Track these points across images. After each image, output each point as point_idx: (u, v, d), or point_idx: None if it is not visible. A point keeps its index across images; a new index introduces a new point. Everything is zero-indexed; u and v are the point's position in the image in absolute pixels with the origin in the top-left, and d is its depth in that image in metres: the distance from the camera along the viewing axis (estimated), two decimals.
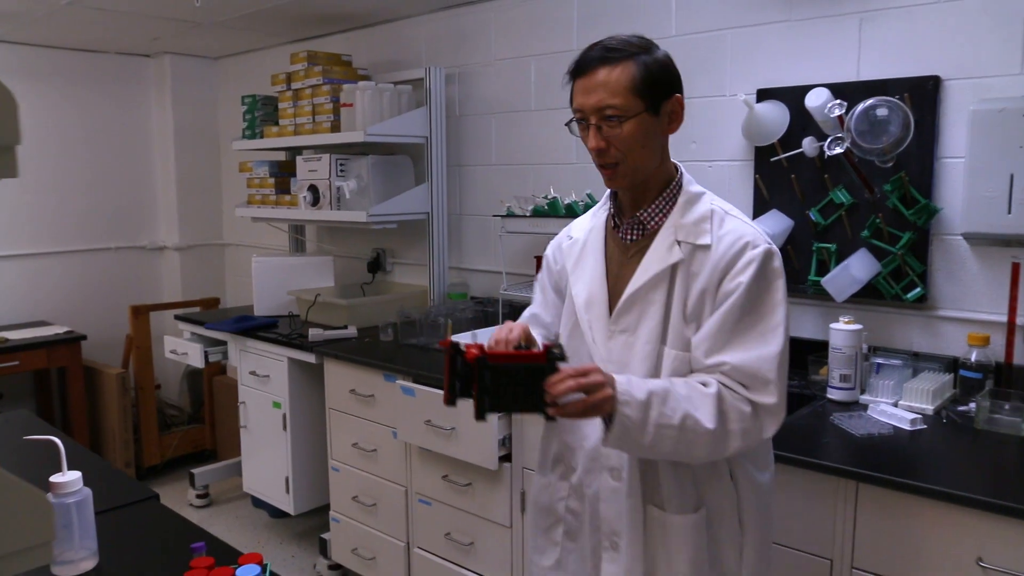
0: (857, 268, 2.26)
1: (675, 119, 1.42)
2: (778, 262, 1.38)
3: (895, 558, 1.67)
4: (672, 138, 1.44)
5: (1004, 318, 2.08)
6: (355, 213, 3.22)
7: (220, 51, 4.58)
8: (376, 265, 3.78)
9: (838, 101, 2.21)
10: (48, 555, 0.74)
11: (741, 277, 1.35)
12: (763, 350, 1.34)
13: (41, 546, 0.73)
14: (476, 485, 2.47)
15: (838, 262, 2.32)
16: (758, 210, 2.49)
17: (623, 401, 1.27)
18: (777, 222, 2.41)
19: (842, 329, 2.17)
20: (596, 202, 2.83)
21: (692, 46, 2.62)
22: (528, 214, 2.77)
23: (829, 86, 2.26)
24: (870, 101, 2.14)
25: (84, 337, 4.02)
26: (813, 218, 2.36)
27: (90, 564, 1.42)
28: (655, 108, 1.37)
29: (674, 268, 1.40)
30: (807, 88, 2.29)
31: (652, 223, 1.45)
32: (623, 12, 2.81)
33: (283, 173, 3.78)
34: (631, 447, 1.33)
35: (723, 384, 1.33)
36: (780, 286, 1.37)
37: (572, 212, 2.66)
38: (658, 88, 1.36)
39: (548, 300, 1.65)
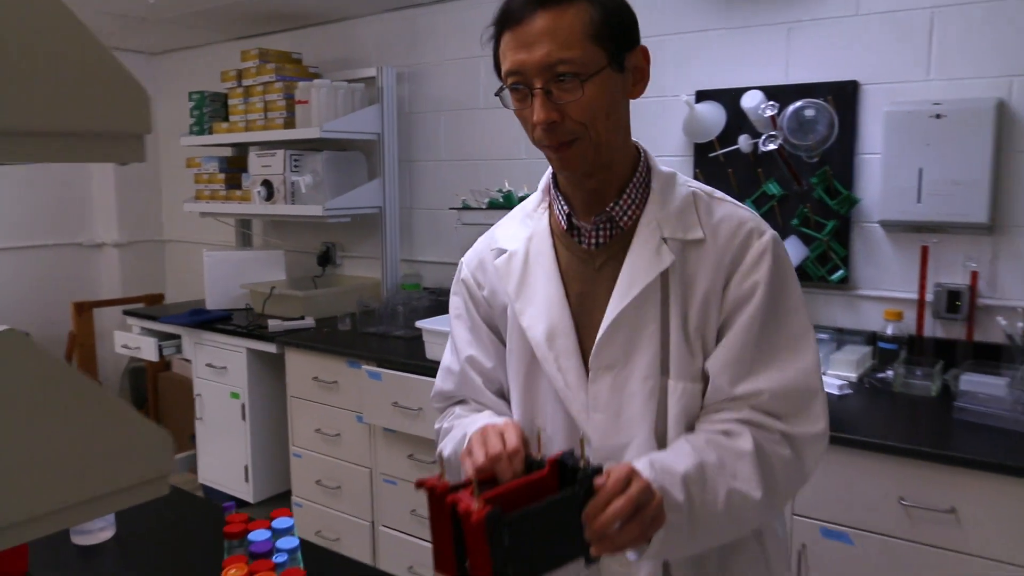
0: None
1: (641, 77, 1.10)
2: (784, 247, 1.13)
3: (831, 503, 1.91)
4: None
5: (915, 296, 2.36)
6: (311, 207, 3.32)
7: (159, 47, 4.57)
8: (326, 259, 3.87)
9: (770, 102, 2.45)
10: (166, 487, 0.85)
11: (755, 275, 1.08)
12: (799, 364, 1.08)
13: (161, 478, 0.84)
14: None
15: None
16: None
17: (666, 505, 0.97)
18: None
19: None
20: (508, 200, 2.99)
21: None
22: (484, 206, 2.93)
23: (762, 88, 2.50)
24: (799, 103, 2.39)
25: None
26: (772, 190, 2.60)
27: (108, 534, 1.51)
28: (619, 62, 1.05)
29: (665, 274, 1.09)
30: (742, 90, 2.53)
31: (626, 218, 1.13)
32: None
33: (232, 169, 3.82)
34: (673, 553, 1.04)
35: (753, 426, 1.06)
36: (795, 277, 1.12)
37: (509, 202, 2.82)
38: (622, 35, 1.05)
39: (482, 339, 1.24)
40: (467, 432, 1.11)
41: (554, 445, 1.14)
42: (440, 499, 0.90)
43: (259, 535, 1.21)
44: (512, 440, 1.00)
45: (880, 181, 2.36)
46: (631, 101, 1.12)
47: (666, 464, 0.99)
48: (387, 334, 3.01)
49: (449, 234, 3.40)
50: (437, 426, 1.29)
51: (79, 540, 1.48)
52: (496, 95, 1.09)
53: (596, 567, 1.08)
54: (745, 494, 1.02)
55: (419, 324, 2.68)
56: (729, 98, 2.60)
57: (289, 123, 3.43)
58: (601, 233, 1.14)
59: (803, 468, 1.08)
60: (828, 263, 2.49)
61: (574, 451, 0.96)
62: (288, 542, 1.21)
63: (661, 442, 1.09)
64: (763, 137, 2.45)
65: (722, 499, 1.00)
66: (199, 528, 1.55)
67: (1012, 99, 2.21)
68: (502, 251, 1.21)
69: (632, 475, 0.93)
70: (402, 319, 3.07)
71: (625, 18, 1.06)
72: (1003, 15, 2.22)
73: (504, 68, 1.05)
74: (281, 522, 1.24)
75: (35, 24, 0.61)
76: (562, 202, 1.16)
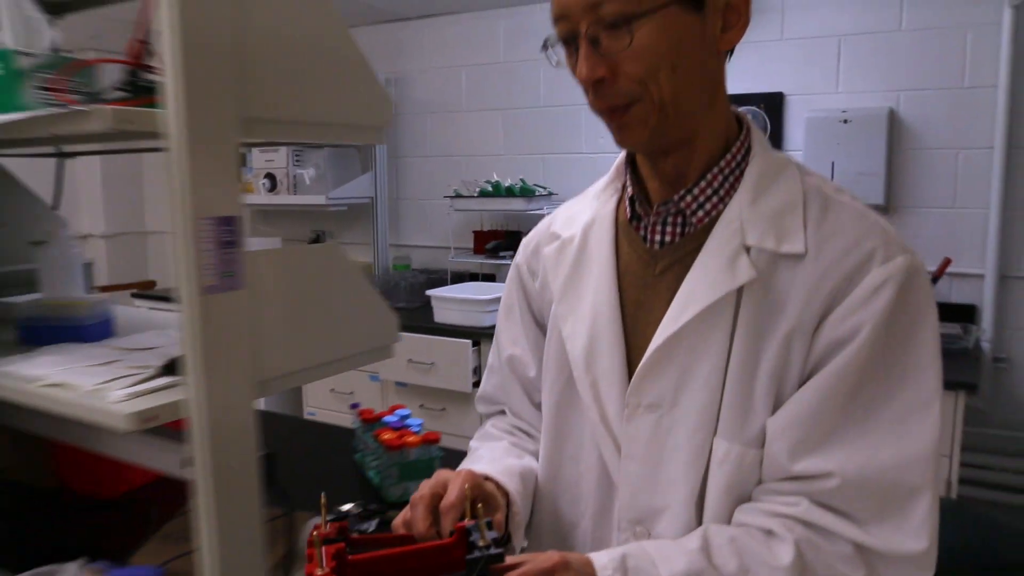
0: None
1: (734, 20, 0.83)
2: (927, 285, 0.82)
3: None
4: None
5: None
6: (315, 197, 3.75)
7: None
8: (317, 244, 4.28)
9: None
10: (392, 352, 1.33)
11: (863, 314, 0.79)
12: (903, 447, 0.78)
13: (390, 345, 1.31)
14: (450, 409, 3.11)
15: None
16: None
17: None
18: None
19: None
20: (526, 190, 3.51)
21: None
22: (475, 195, 3.43)
23: None
24: (740, 109, 2.99)
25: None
26: None
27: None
28: (696, 0, 0.80)
29: (739, 294, 0.83)
30: None
31: (700, 213, 0.89)
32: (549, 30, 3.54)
33: None
34: None
35: (807, 528, 0.80)
36: (932, 328, 0.81)
37: (511, 192, 3.34)
38: None
39: (529, 338, 1.06)
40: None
41: (581, 490, 0.95)
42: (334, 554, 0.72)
43: (391, 417, 1.69)
44: (454, 493, 0.83)
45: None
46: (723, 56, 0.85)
47: (643, 565, 0.78)
48: (392, 305, 3.47)
49: (434, 221, 3.88)
50: (471, 444, 1.13)
51: None
52: (542, 50, 0.86)
53: None
54: None
55: (429, 292, 3.17)
56: None
57: None
58: (667, 229, 0.90)
59: None
60: None
61: (480, 524, 0.76)
62: (414, 421, 1.68)
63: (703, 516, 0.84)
64: None
65: None
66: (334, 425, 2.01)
67: (900, 109, 2.87)
68: (556, 236, 1.01)
69: (554, 573, 0.75)
70: (404, 293, 3.53)
71: None
72: (892, 45, 2.88)
73: (552, 13, 0.83)
74: (402, 411, 1.72)
75: (330, 59, 1.08)
76: (632, 184, 0.93)
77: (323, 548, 0.72)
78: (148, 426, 0.92)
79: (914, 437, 0.78)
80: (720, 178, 0.88)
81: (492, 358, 1.14)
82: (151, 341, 1.25)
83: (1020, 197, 2.79)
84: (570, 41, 0.83)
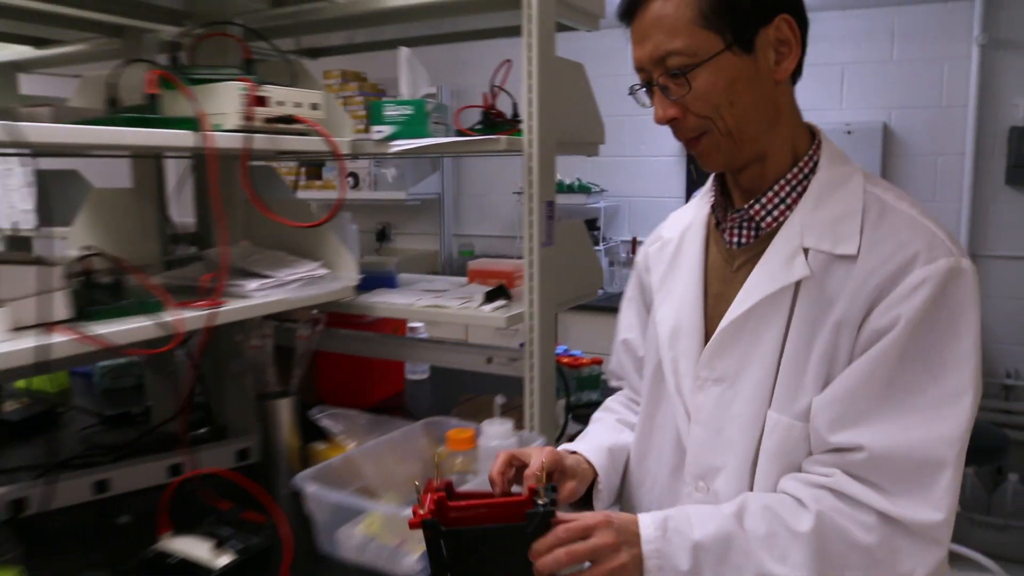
0: None
1: (786, 53, 0.94)
2: (966, 289, 0.88)
3: None
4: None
5: None
6: (395, 192, 4.38)
7: None
8: (383, 235, 4.92)
9: None
10: (595, 294, 1.98)
11: (901, 307, 0.87)
12: (932, 428, 0.86)
13: (597, 288, 1.97)
14: None
15: None
16: (690, 190, 3.98)
17: (656, 568, 0.89)
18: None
19: None
20: (583, 187, 4.24)
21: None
22: None
23: None
24: None
25: None
26: None
27: (425, 376, 2.58)
28: (745, 42, 0.92)
29: (797, 289, 0.94)
30: None
31: (769, 219, 1.00)
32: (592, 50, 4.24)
33: (312, 163, 4.81)
34: None
35: (834, 495, 0.89)
36: (970, 325, 0.88)
37: (571, 189, 4.01)
38: (744, 11, 0.91)
39: (641, 323, 1.22)
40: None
41: (663, 451, 1.09)
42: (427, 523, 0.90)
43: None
44: (532, 466, 0.98)
45: None
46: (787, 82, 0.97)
47: (682, 526, 0.90)
48: None
49: (493, 213, 4.54)
50: (594, 416, 1.31)
51: (412, 376, 2.54)
52: (630, 94, 1.00)
53: None
54: None
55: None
56: None
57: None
58: (743, 233, 1.02)
59: (895, 569, 0.87)
60: None
61: (555, 488, 0.97)
62: (576, 351, 2.34)
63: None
64: None
65: None
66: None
67: (892, 123, 3.62)
68: (660, 237, 1.17)
69: (595, 529, 0.88)
70: None
71: None
72: (885, 72, 3.63)
73: (633, 64, 0.97)
74: (561, 347, 2.38)
75: (584, 100, 1.75)
76: (717, 193, 1.07)
77: (429, 495, 0.91)
78: (513, 325, 1.58)
79: (944, 421, 0.85)
80: (788, 188, 0.98)
81: (615, 340, 1.28)
82: (434, 285, 1.90)
83: (985, 193, 3.55)
84: (648, 87, 0.97)
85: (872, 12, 3.65)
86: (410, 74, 1.61)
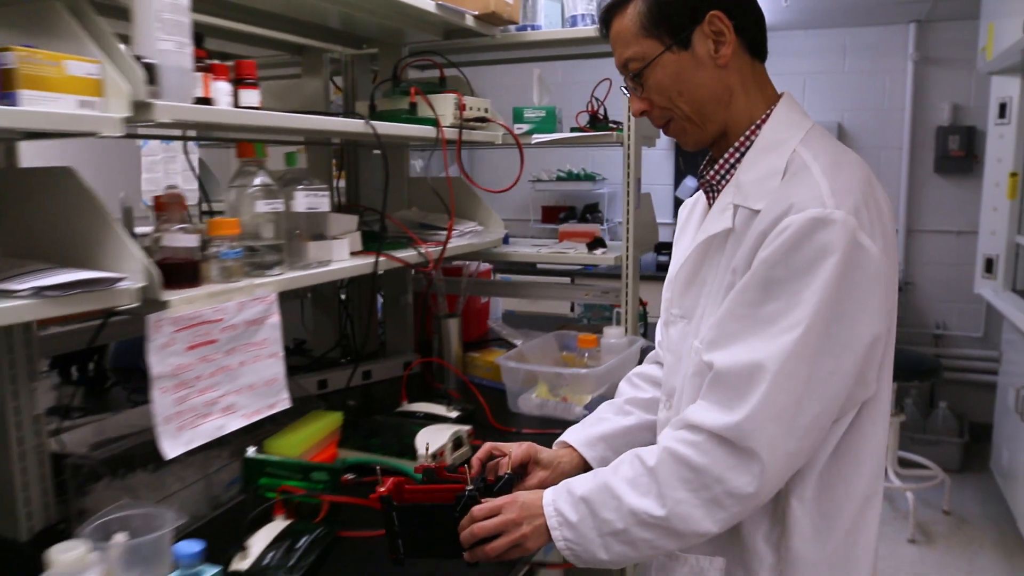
0: None
1: (722, 41, 1.06)
2: (829, 236, 0.94)
3: None
4: None
5: None
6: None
7: None
8: None
9: None
10: (652, 247, 2.68)
11: (763, 251, 0.97)
12: (760, 349, 0.96)
13: (651, 244, 2.66)
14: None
15: None
16: (678, 178, 4.72)
17: (556, 525, 1.04)
18: (691, 183, 4.65)
19: None
20: (589, 176, 4.86)
21: None
22: (553, 179, 4.77)
23: None
24: None
25: None
26: None
27: None
28: (682, 41, 1.06)
29: (727, 240, 1.06)
30: None
31: (722, 183, 1.12)
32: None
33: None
34: (596, 565, 1.05)
35: (683, 426, 1.02)
36: (823, 270, 0.94)
37: (578, 177, 4.70)
38: (676, 16, 1.06)
39: None
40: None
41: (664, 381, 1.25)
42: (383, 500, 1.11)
43: None
44: (503, 459, 1.21)
45: None
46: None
47: (572, 486, 1.06)
48: None
49: (503, 200, 5.19)
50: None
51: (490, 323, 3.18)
52: (621, 91, 1.22)
53: None
54: (647, 510, 0.99)
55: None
56: None
57: None
58: (711, 195, 1.16)
59: (728, 485, 0.97)
60: None
61: (495, 478, 1.18)
62: None
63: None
64: None
65: (623, 517, 1.00)
66: None
67: (844, 122, 4.42)
68: (686, 205, 1.31)
69: (502, 508, 1.05)
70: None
71: (678, 0, 1.06)
72: (838, 81, 4.43)
73: None
74: None
75: None
76: (705, 165, 1.18)
77: (390, 479, 1.13)
78: (617, 263, 2.25)
79: (774, 343, 0.95)
80: (737, 155, 1.11)
81: None
82: (539, 242, 2.55)
83: (918, 179, 4.38)
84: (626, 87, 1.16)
85: (828, 32, 4.45)
86: (539, 87, 2.26)
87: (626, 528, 1.01)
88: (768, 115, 1.11)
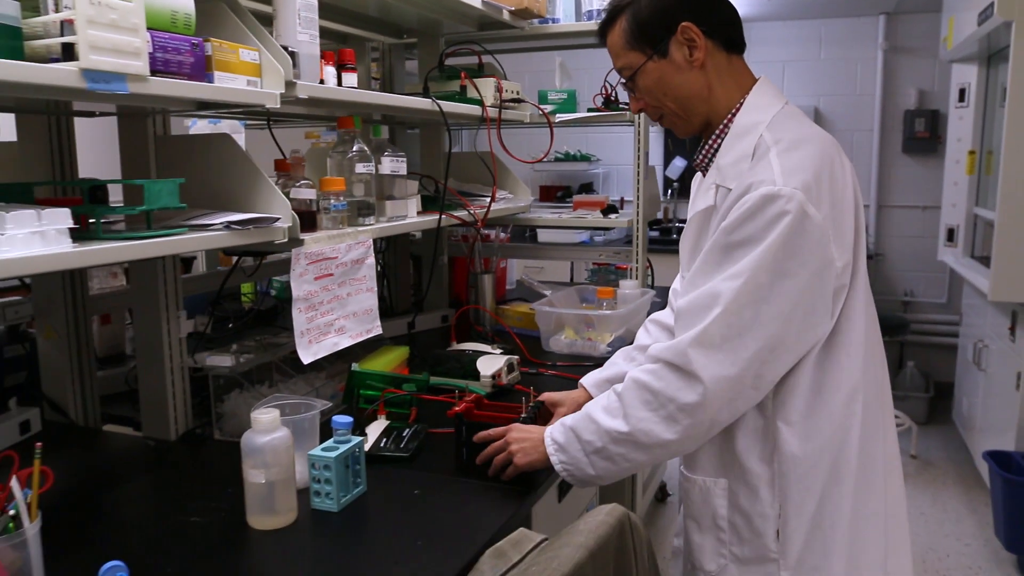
0: None
1: (695, 46, 1.24)
2: (779, 208, 1.12)
3: None
4: None
5: None
6: None
7: None
8: None
9: None
10: (655, 215, 3.02)
11: (724, 221, 1.17)
12: (708, 288, 1.17)
13: (655, 212, 3.01)
14: None
15: None
16: (667, 158, 5.07)
17: (553, 452, 1.28)
18: (679, 163, 4.99)
19: None
20: (584, 156, 5.16)
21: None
22: (552, 160, 5.09)
23: None
24: None
25: None
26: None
27: None
28: (661, 50, 1.25)
29: (711, 214, 1.25)
30: None
31: (707, 166, 1.31)
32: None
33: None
34: (590, 481, 1.28)
35: (648, 358, 1.23)
36: (770, 236, 1.12)
37: (575, 158, 5.02)
38: (653, 30, 1.25)
39: None
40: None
41: None
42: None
43: None
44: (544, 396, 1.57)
45: None
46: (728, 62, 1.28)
47: (564, 419, 1.32)
48: None
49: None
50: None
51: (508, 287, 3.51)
52: (625, 90, 1.38)
53: None
54: (616, 428, 1.20)
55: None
56: None
57: None
58: (704, 174, 1.33)
59: (679, 402, 1.16)
60: None
61: (541, 403, 1.57)
62: None
63: None
64: None
65: (601, 437, 1.22)
66: None
67: (820, 106, 4.79)
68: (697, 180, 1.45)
69: (507, 431, 1.36)
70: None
71: (654, 16, 1.25)
72: (815, 68, 4.80)
73: None
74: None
75: None
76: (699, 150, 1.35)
77: (463, 401, 1.49)
78: (629, 226, 2.59)
79: (722, 285, 1.15)
80: (719, 141, 1.29)
81: None
82: (557, 210, 2.87)
83: (887, 159, 4.77)
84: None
85: (805, 22, 4.82)
86: (561, 73, 2.58)
87: (604, 446, 1.22)
88: (742, 103, 1.27)
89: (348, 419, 1.33)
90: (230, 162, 1.44)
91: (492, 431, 1.40)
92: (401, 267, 2.85)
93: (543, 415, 1.58)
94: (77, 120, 1.63)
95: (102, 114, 1.62)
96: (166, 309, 1.60)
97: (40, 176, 1.57)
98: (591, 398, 1.56)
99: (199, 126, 3.18)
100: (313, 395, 1.69)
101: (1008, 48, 3.37)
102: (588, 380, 1.63)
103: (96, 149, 1.88)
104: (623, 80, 1.34)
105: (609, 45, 1.33)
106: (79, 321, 1.68)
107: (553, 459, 1.29)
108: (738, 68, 1.31)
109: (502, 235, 3.04)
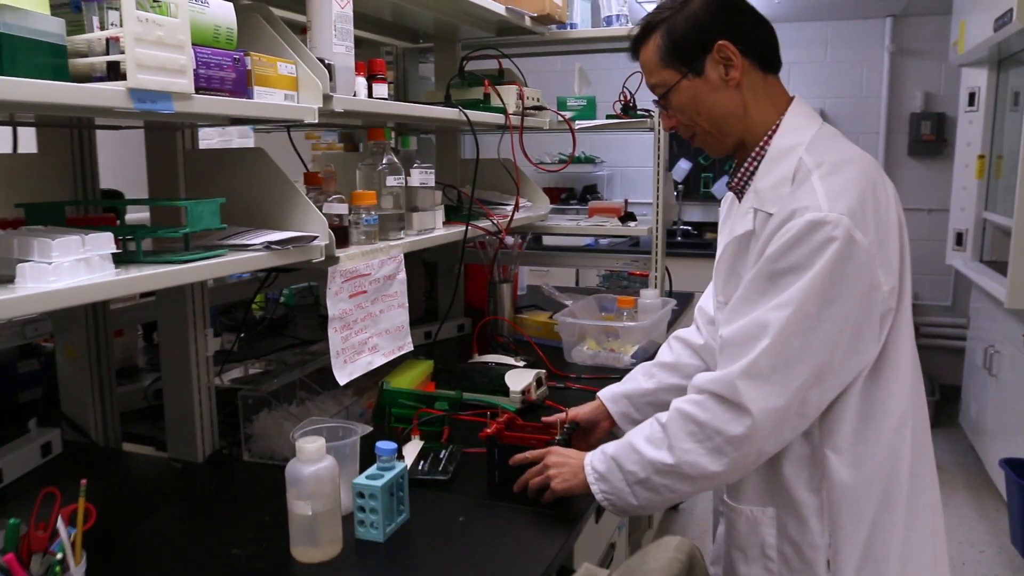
0: (721, 185, 4.92)
1: (731, 65, 1.21)
2: (826, 235, 1.09)
3: None
4: None
5: None
6: None
7: None
8: None
9: None
10: (671, 222, 2.99)
11: (769, 248, 1.14)
12: (756, 319, 1.14)
13: (672, 219, 2.97)
14: None
15: (715, 182, 4.96)
16: (672, 161, 5.03)
17: (593, 480, 1.26)
18: (684, 165, 4.97)
19: None
20: (589, 158, 5.29)
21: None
22: (556, 161, 5.05)
23: None
24: None
25: None
26: (702, 161, 4.97)
27: None
28: (696, 69, 1.22)
29: (750, 239, 1.21)
30: None
31: (744, 188, 1.27)
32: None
33: None
34: (632, 512, 1.27)
35: (693, 390, 1.20)
36: (818, 263, 1.10)
37: (580, 160, 4.98)
38: (688, 48, 1.22)
39: None
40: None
41: None
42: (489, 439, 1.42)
43: None
44: (562, 416, 1.53)
45: None
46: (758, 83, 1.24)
47: (605, 447, 1.28)
48: None
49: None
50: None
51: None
52: (658, 107, 1.34)
53: None
54: (661, 459, 1.18)
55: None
56: None
57: None
58: (740, 197, 1.30)
59: (726, 434, 1.14)
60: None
61: (575, 425, 1.53)
62: None
63: None
64: None
65: (645, 468, 1.20)
66: None
67: (826, 108, 4.78)
68: (727, 199, 1.42)
69: (546, 455, 1.34)
70: None
71: (691, 33, 1.22)
72: (821, 70, 4.78)
73: None
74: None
75: None
76: (734, 169, 1.32)
77: (495, 423, 1.46)
78: (649, 234, 2.55)
79: (769, 315, 1.12)
80: (755, 164, 1.26)
81: None
82: (573, 216, 2.83)
83: (893, 162, 4.76)
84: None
85: (812, 24, 4.80)
86: (580, 79, 2.54)
87: (647, 477, 1.20)
88: (778, 124, 1.25)
89: (392, 445, 1.29)
90: (263, 177, 1.40)
91: (530, 454, 1.37)
92: (413, 275, 2.81)
93: (576, 435, 1.55)
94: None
95: (127, 127, 1.57)
96: (193, 327, 1.55)
97: (62, 191, 1.52)
98: (606, 411, 1.57)
99: (205, 132, 3.11)
100: (343, 414, 1.65)
101: (1021, 53, 3.37)
102: (606, 394, 1.61)
103: (111, 159, 1.83)
104: (656, 98, 1.30)
105: (642, 61, 1.30)
106: (100, 339, 1.63)
107: (594, 488, 1.27)
108: (773, 88, 1.28)
109: (518, 241, 3.00)
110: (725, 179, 4.07)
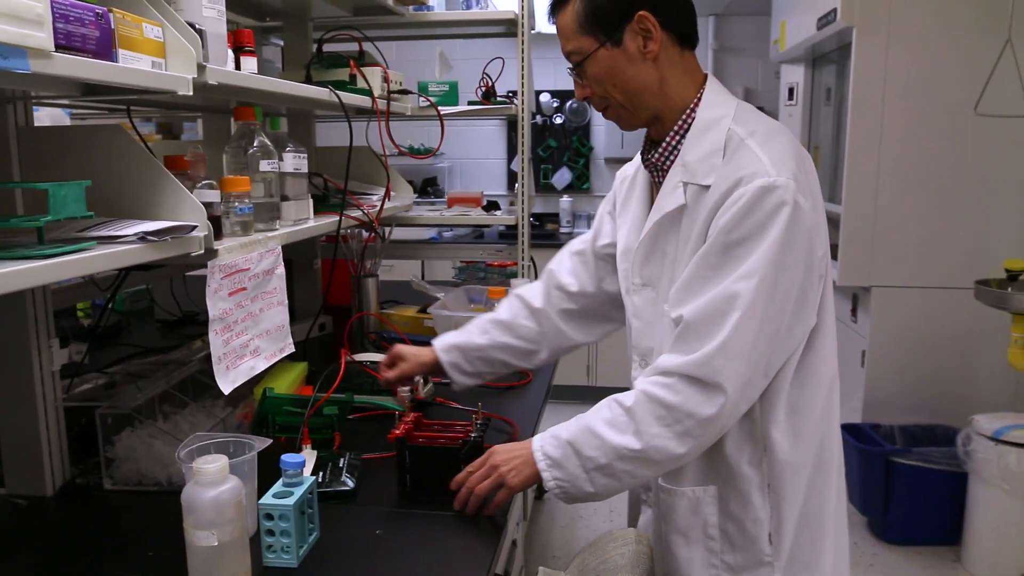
0: (560, 176, 5.01)
1: (651, 38, 1.18)
2: (778, 199, 1.08)
3: None
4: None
5: None
6: None
7: None
8: None
9: (556, 99, 4.88)
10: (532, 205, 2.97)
11: (720, 219, 1.11)
12: (721, 293, 1.10)
13: (531, 205, 2.97)
14: None
15: (553, 173, 5.04)
16: (511, 152, 5.06)
17: (545, 468, 1.19)
18: (566, 175, 5.01)
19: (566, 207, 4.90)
20: (427, 149, 5.22)
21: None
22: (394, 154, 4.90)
23: (554, 92, 4.93)
24: (572, 101, 4.87)
25: None
26: (540, 153, 5.02)
27: None
28: (615, 39, 1.18)
29: (681, 214, 1.19)
30: (544, 91, 4.94)
31: (667, 163, 1.23)
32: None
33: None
34: (585, 499, 1.19)
35: (656, 372, 1.15)
36: (774, 229, 1.08)
37: (418, 152, 4.88)
38: (608, 16, 1.18)
39: (602, 233, 1.49)
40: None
41: (627, 341, 1.38)
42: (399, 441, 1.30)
43: None
44: (397, 369, 1.60)
45: (604, 136, 4.96)
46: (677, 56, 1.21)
47: (556, 431, 1.21)
48: None
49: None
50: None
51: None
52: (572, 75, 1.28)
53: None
54: (625, 445, 1.12)
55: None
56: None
57: None
58: (656, 174, 1.26)
59: (698, 416, 1.10)
60: (583, 181, 5.03)
61: (485, 429, 1.36)
62: None
63: None
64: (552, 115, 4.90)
65: (605, 453, 1.14)
66: None
67: None
68: (626, 174, 1.40)
69: (487, 458, 1.24)
70: None
71: (610, 1, 1.17)
72: None
73: None
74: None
75: None
76: (645, 144, 1.29)
77: (403, 423, 1.35)
78: (515, 223, 2.51)
79: (735, 286, 1.08)
80: (677, 138, 1.23)
81: (577, 242, 1.57)
82: (435, 208, 2.74)
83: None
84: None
85: None
86: (441, 63, 2.45)
87: (608, 463, 1.14)
88: (699, 98, 1.22)
89: (299, 457, 1.15)
90: (123, 159, 1.19)
91: (473, 464, 1.26)
92: None
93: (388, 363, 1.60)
94: None
95: None
96: (36, 337, 1.32)
97: None
98: (437, 360, 1.57)
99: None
100: (220, 427, 1.47)
101: (832, 52, 3.66)
102: (440, 342, 1.60)
103: None
104: (571, 66, 1.25)
105: (559, 26, 1.24)
106: None
107: (545, 475, 1.19)
108: (690, 63, 1.26)
109: (371, 235, 2.85)
110: (564, 170, 3.94)
